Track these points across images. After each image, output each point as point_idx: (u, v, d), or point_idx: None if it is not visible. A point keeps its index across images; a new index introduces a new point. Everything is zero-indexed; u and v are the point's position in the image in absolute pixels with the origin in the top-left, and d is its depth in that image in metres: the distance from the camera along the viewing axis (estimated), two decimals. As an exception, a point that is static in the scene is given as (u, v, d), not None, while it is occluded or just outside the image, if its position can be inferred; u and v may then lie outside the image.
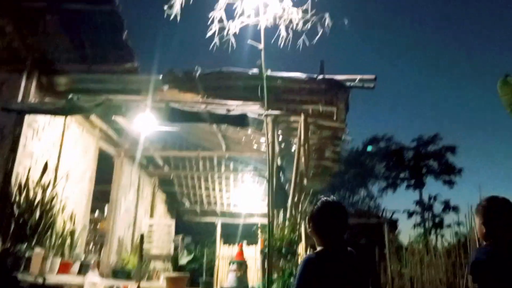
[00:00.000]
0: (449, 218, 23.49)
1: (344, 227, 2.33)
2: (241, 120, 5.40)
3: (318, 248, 2.31)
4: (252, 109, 6.66)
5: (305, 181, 11.26)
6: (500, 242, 2.37)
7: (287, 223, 7.14)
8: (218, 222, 14.49)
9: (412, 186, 22.97)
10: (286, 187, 9.22)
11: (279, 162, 8.81)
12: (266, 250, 6.66)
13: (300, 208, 9.76)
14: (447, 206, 23.53)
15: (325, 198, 2.38)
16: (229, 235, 14.19)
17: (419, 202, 23.51)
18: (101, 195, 10.94)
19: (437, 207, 23.09)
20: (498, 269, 2.29)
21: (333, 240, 2.27)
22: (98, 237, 10.23)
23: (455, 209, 23.25)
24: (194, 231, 14.87)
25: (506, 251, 2.32)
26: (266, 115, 5.76)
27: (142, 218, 11.02)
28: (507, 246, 2.34)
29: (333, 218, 2.32)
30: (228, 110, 5.74)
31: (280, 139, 9.20)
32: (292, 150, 9.58)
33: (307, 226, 2.39)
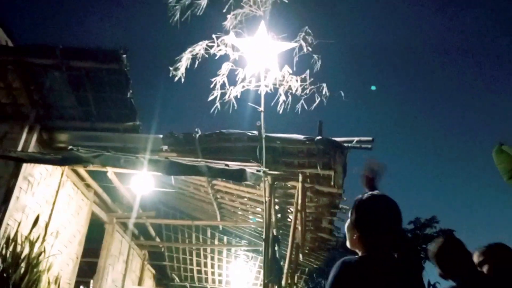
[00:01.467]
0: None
1: (397, 230, 1.82)
2: (239, 174, 5.39)
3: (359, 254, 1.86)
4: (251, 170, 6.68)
5: (300, 257, 10.99)
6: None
7: (283, 291, 6.81)
8: (209, 301, 13.76)
9: (410, 271, 22.26)
10: (282, 262, 8.94)
11: (274, 232, 8.62)
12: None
13: (296, 283, 9.38)
14: (447, 296, 22.54)
15: (371, 192, 1.93)
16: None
17: (418, 290, 22.56)
18: (88, 268, 10.51)
19: (437, 296, 22.15)
20: None
21: (381, 245, 1.76)
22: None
23: (456, 298, 22.22)
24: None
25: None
26: (264, 172, 5.77)
27: (130, 290, 10.46)
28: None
29: (383, 217, 1.80)
30: (227, 165, 5.75)
31: (276, 207, 9.11)
32: (288, 220, 9.44)
33: (348, 226, 2.00)
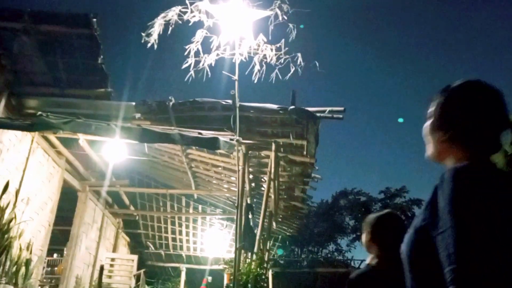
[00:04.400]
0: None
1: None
2: (212, 143, 5.42)
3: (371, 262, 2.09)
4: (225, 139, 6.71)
5: (274, 225, 11.23)
6: None
7: (254, 257, 6.99)
8: (183, 268, 13.98)
9: (380, 239, 23.15)
10: (256, 230, 9.15)
11: (248, 201, 8.76)
12: (232, 284, 6.47)
13: (268, 249, 9.61)
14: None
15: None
16: (195, 282, 13.68)
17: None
18: (62, 236, 10.49)
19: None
20: None
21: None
22: (55, 279, 9.68)
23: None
24: (158, 277, 14.25)
25: None
26: (238, 141, 5.82)
27: (103, 257, 10.52)
28: None
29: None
30: (200, 133, 5.77)
31: (251, 177, 9.22)
32: (262, 189, 9.59)
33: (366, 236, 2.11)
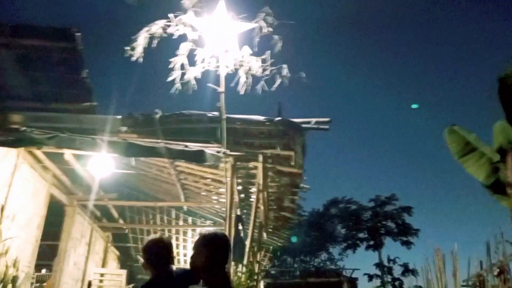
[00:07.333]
0: (409, 281, 23.55)
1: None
2: (198, 156, 5.39)
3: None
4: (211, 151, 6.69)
5: (264, 235, 11.18)
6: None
7: (244, 269, 6.93)
8: (174, 281, 13.83)
9: (371, 247, 23.11)
10: (245, 241, 9.06)
11: (238, 212, 8.72)
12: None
13: (259, 261, 9.55)
14: (406, 269, 23.59)
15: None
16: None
17: (379, 265, 23.51)
18: (50, 251, 10.34)
19: (397, 270, 23.19)
20: None
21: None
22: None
23: (414, 272, 23.31)
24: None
25: None
26: (225, 153, 5.80)
27: (92, 272, 10.37)
28: None
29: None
30: (186, 146, 5.74)
31: (239, 188, 9.18)
32: (252, 200, 9.56)
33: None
